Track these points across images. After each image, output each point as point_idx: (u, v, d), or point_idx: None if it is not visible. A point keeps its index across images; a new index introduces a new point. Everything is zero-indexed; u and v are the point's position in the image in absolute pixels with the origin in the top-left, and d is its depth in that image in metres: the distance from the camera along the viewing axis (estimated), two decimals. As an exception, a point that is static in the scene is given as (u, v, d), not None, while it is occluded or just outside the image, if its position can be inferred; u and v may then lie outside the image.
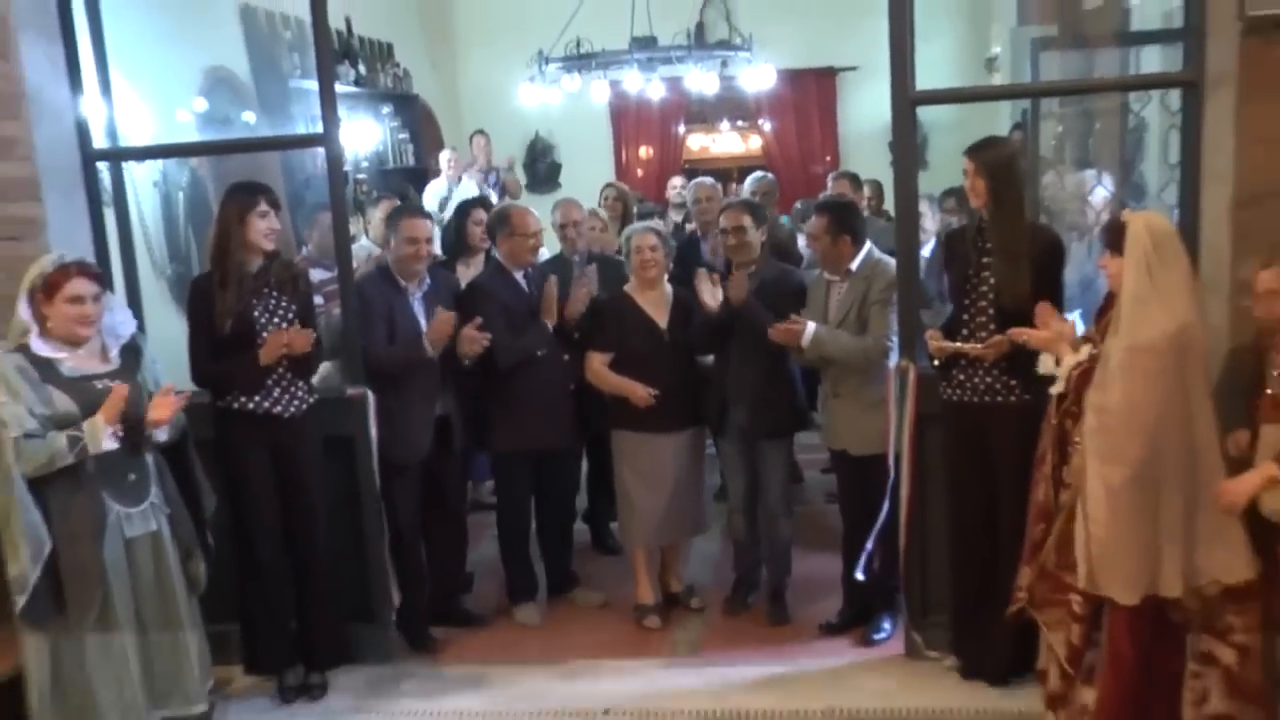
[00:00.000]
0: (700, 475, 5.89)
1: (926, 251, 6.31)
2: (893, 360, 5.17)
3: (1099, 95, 7.48)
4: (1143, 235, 4.01)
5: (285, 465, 5.04)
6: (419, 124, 11.83)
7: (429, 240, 5.59)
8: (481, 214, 6.57)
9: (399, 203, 6.96)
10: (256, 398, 4.94)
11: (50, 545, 4.00)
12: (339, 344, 5.47)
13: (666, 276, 5.80)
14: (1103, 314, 4.28)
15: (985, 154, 4.74)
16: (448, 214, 8.17)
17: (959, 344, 4.77)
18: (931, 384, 4.96)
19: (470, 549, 6.20)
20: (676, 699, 5.05)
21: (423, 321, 5.48)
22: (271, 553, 5.04)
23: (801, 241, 7.31)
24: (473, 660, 5.55)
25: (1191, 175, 4.76)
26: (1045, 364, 4.41)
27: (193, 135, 7.30)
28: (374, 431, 5.29)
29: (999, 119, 9.32)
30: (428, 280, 5.58)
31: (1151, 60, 6.90)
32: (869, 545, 5.24)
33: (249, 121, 8.16)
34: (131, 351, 4.37)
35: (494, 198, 9.74)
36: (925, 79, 5.11)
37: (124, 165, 5.68)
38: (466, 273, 6.34)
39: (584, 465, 6.64)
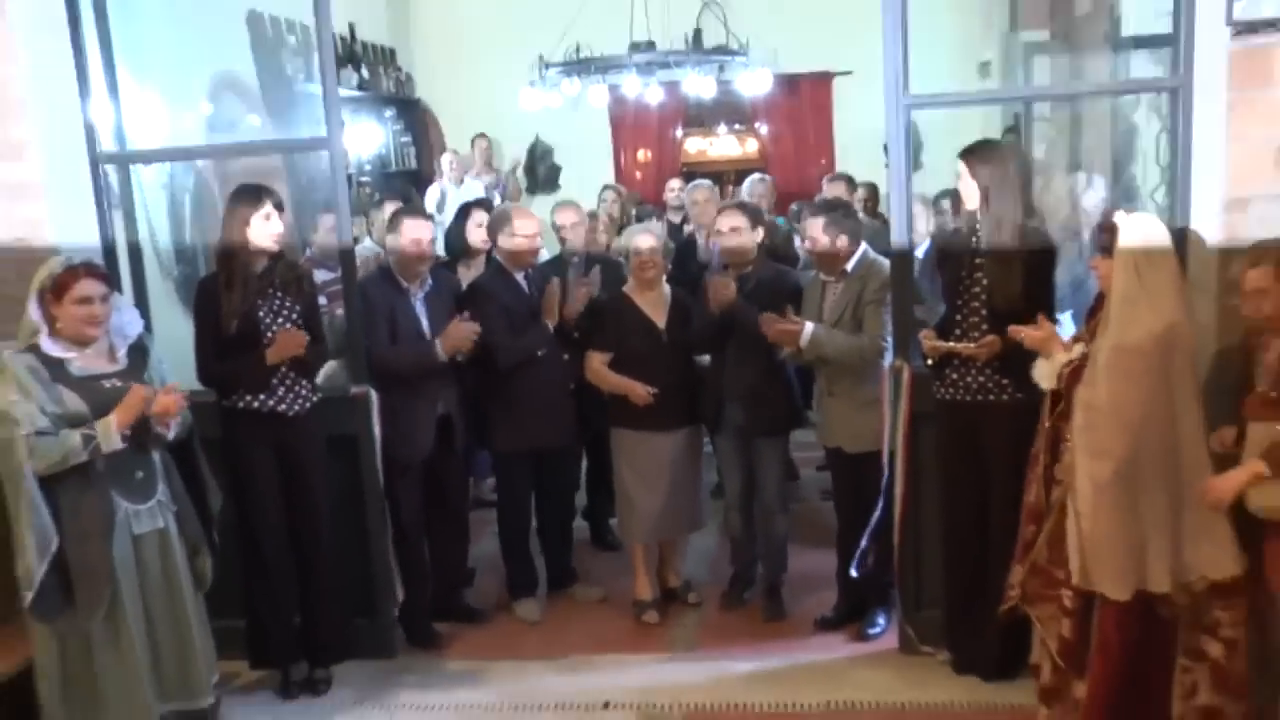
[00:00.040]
0: (697, 473, 5.90)
1: (920, 253, 6.30)
2: (887, 359, 5.18)
3: (1090, 99, 7.50)
4: (1133, 236, 4.02)
5: (290, 463, 5.04)
6: (421, 127, 11.85)
7: (430, 241, 5.60)
8: (482, 216, 6.56)
9: (401, 205, 6.96)
10: (261, 396, 4.94)
11: (57, 542, 4.01)
12: (343, 343, 5.48)
13: (665, 277, 5.81)
14: (1093, 314, 4.30)
15: (978, 157, 4.75)
16: (446, 215, 8.17)
17: (952, 344, 4.78)
18: (925, 383, 4.97)
19: (471, 545, 6.21)
20: (674, 693, 5.05)
21: (424, 322, 5.49)
22: (276, 549, 5.04)
23: (797, 242, 7.32)
24: (474, 655, 5.56)
25: (1180, 178, 4.77)
26: (1042, 377, 4.41)
27: (199, 138, 7.31)
28: (377, 430, 5.30)
29: (992, 123, 9.31)
30: (429, 281, 5.58)
31: (1141, 65, 6.90)
32: (863, 543, 5.25)
33: (254, 125, 8.17)
34: (139, 351, 4.37)
35: (498, 200, 9.75)
36: (919, 83, 5.11)
37: (132, 168, 5.68)
38: (467, 274, 6.34)
39: (583, 463, 6.64)
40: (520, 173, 12.34)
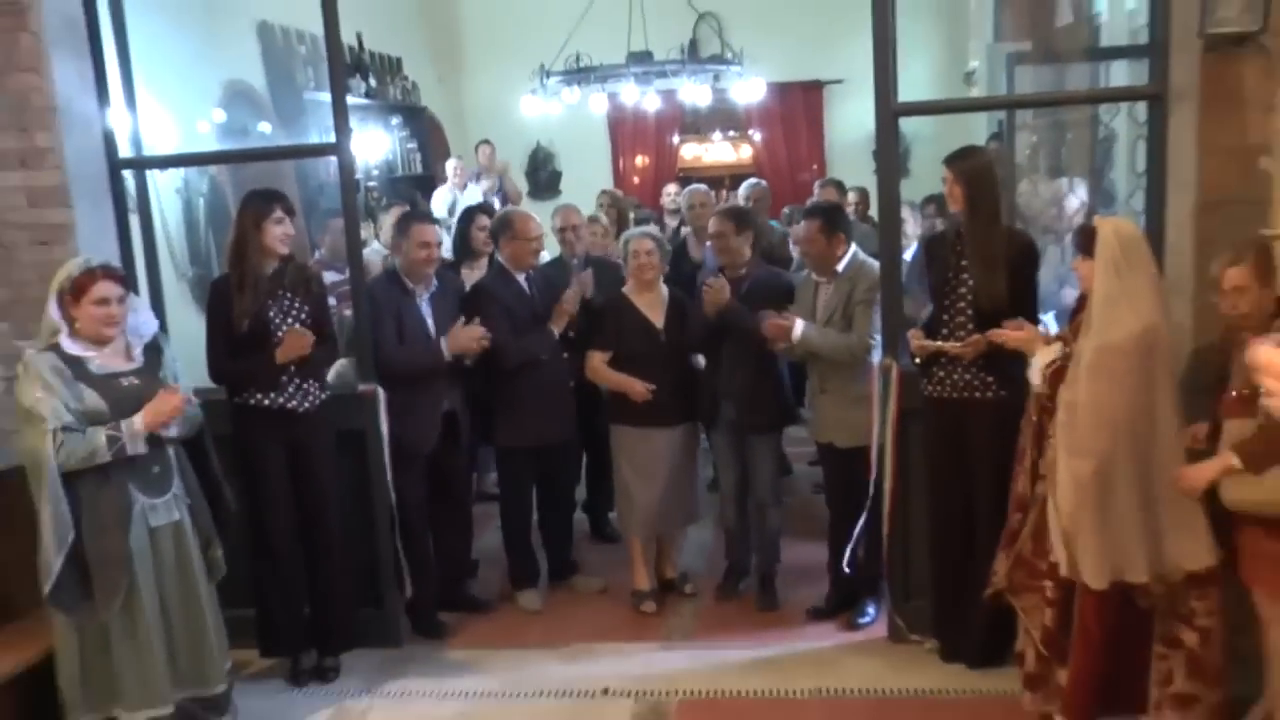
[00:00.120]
0: (694, 468, 5.90)
1: (909, 255, 6.31)
2: (876, 358, 5.19)
3: (1070, 107, 7.51)
4: (1111, 240, 4.03)
5: (299, 458, 5.04)
6: (426, 134, 11.84)
7: (438, 245, 5.61)
8: (485, 219, 6.58)
9: (408, 209, 6.97)
10: (271, 394, 4.95)
11: (74, 534, 4.01)
12: (352, 343, 5.49)
13: (662, 279, 5.82)
14: (1075, 314, 4.31)
15: (963, 163, 4.75)
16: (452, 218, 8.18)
17: (939, 343, 4.78)
18: (913, 380, 4.98)
19: (475, 538, 6.20)
20: (671, 680, 5.05)
21: (430, 322, 5.49)
22: (287, 542, 5.05)
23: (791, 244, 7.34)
24: (478, 644, 5.56)
25: (1157, 183, 4.78)
26: (1035, 376, 4.42)
27: (212, 145, 7.32)
28: (384, 426, 5.30)
29: (977, 130, 9.32)
30: (435, 283, 5.59)
31: (1120, 74, 6.92)
32: (854, 540, 5.25)
33: (265, 132, 8.17)
34: (154, 350, 4.37)
35: (497, 204, 9.75)
36: (907, 92, 5.12)
37: (148, 173, 5.70)
38: (471, 275, 6.35)
39: (583, 458, 6.65)
40: (511, 171, 12.34)
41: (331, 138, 5.45)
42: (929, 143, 10.18)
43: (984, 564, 4.65)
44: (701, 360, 5.82)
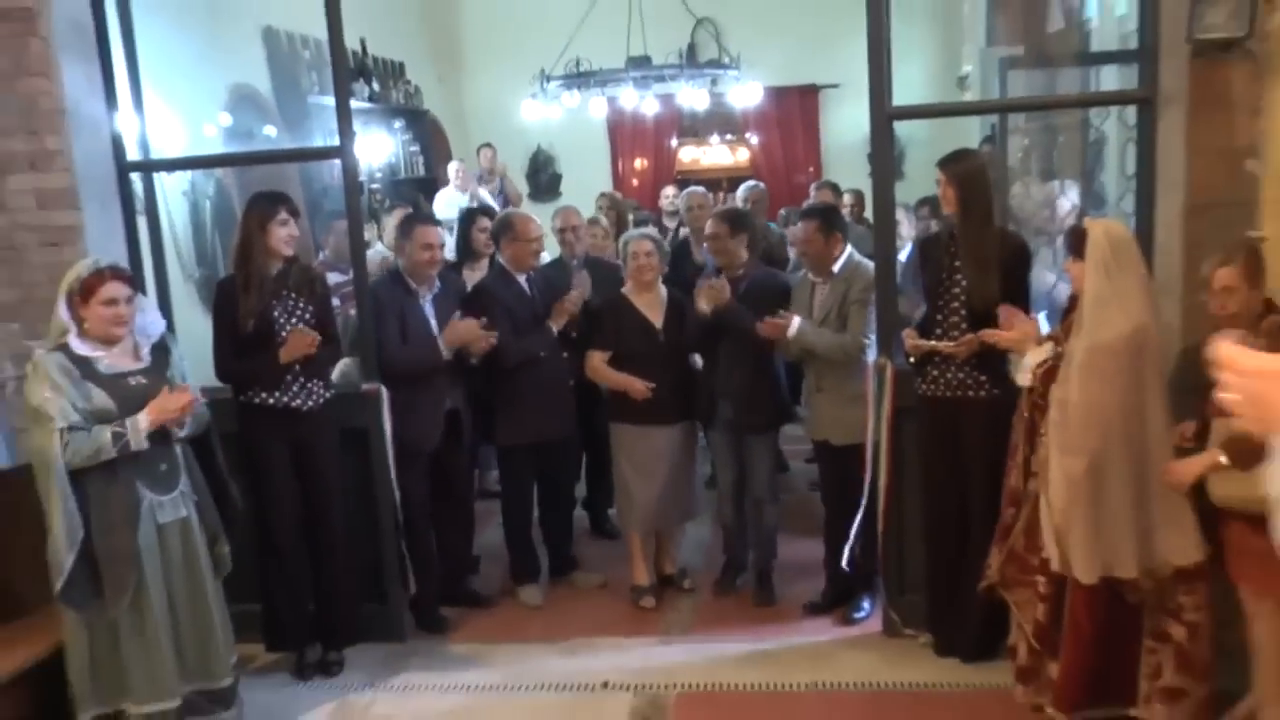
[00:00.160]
0: (692, 465, 5.91)
1: (903, 256, 6.32)
2: (871, 357, 5.19)
3: (1062, 111, 7.52)
4: (1102, 241, 4.04)
5: (304, 456, 5.05)
6: (429, 137, 11.84)
7: (441, 246, 5.61)
8: (486, 221, 6.58)
9: (411, 211, 6.97)
10: (276, 393, 4.95)
11: (84, 532, 4.02)
12: (355, 342, 5.49)
13: (661, 279, 5.83)
14: (1067, 314, 4.31)
15: (956, 166, 4.77)
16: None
17: (933, 342, 4.79)
18: (908, 379, 4.99)
19: (477, 534, 6.21)
20: (669, 674, 5.06)
21: (433, 322, 5.50)
22: (291, 538, 5.05)
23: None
24: (479, 638, 5.57)
25: (1146, 185, 4.79)
26: (1019, 374, 4.43)
27: (219, 148, 7.32)
28: (388, 424, 5.31)
29: (970, 133, 9.32)
30: (438, 283, 5.60)
31: (1110, 79, 6.92)
32: (851, 539, 5.25)
33: (270, 135, 8.17)
34: (161, 350, 4.37)
35: (497, 206, 9.76)
36: (902, 96, 5.13)
37: (155, 176, 5.70)
38: (472, 276, 6.36)
39: (583, 456, 6.66)
40: (511, 174, 12.35)
41: (335, 141, 5.45)
42: (923, 146, 10.19)
43: (977, 560, 4.65)
44: (699, 360, 5.83)
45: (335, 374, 5.34)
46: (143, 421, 4.04)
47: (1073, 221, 6.02)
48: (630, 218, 8.52)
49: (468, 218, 6.87)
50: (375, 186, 10.23)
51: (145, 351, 4.29)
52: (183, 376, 4.39)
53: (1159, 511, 4.00)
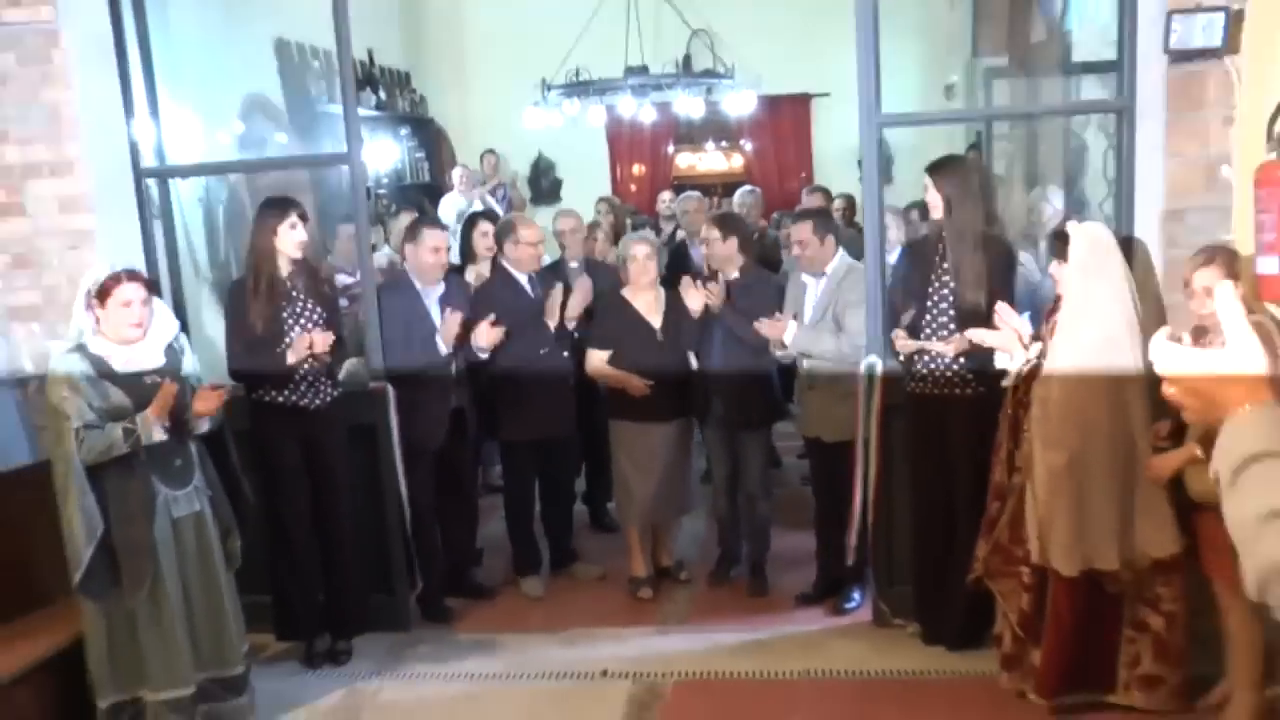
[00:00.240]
0: (688, 461, 5.91)
1: (893, 259, 6.31)
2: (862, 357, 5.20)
3: (1044, 119, 7.54)
4: (1083, 244, 4.06)
5: (313, 452, 5.05)
6: (434, 144, 11.84)
7: (447, 249, 5.62)
8: (487, 225, 6.59)
9: (416, 215, 6.97)
10: (286, 391, 4.97)
11: (103, 527, 4.03)
12: (362, 342, 5.50)
13: (658, 281, 5.84)
14: (1051, 314, 4.33)
15: (943, 171, 4.77)
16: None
17: (921, 342, 4.81)
18: (896, 378, 4.99)
19: (480, 527, 6.23)
20: (666, 662, 5.07)
21: (437, 323, 5.50)
22: (301, 531, 5.06)
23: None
24: (483, 628, 5.57)
25: (1125, 190, 4.80)
26: (1006, 374, 4.44)
27: (232, 154, 7.32)
28: (394, 422, 5.32)
29: (956, 140, 9.32)
30: (442, 285, 5.60)
31: (1090, 88, 6.93)
32: (853, 536, 5.25)
33: (281, 142, 8.17)
34: (175, 350, 4.39)
35: (500, 210, 9.77)
36: (890, 104, 5.14)
37: (171, 182, 5.71)
38: (472, 278, 6.36)
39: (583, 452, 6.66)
40: (519, 183, 12.37)
41: (344, 148, 5.46)
42: (911, 152, 10.11)
43: (963, 552, 4.67)
44: (694, 359, 5.84)
45: (342, 373, 5.35)
46: (152, 416, 4.06)
47: (1055, 225, 6.03)
48: (628, 222, 8.54)
49: (469, 222, 6.88)
50: (382, 191, 10.23)
51: (160, 351, 4.30)
52: (196, 376, 4.41)
53: (1138, 505, 4.02)
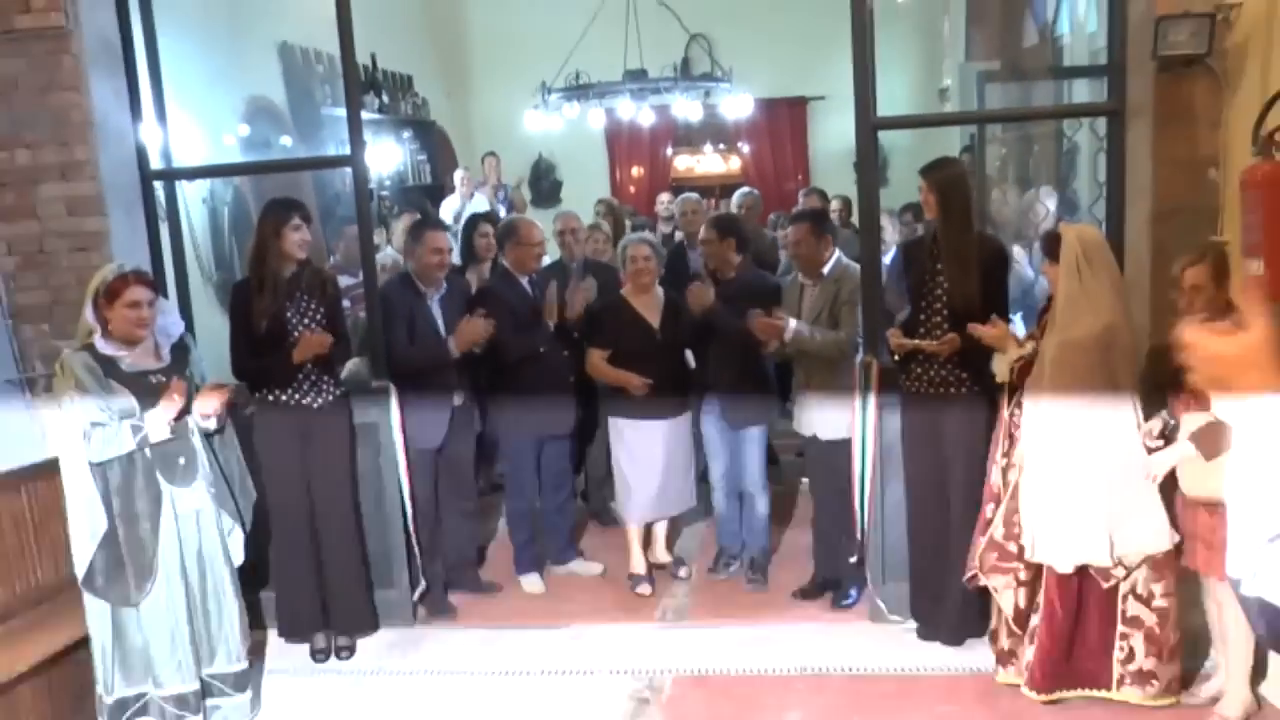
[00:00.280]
0: (687, 458, 5.91)
1: (888, 259, 6.32)
2: (858, 356, 5.20)
3: (1037, 121, 7.54)
4: (1074, 245, 4.07)
5: (316, 450, 5.05)
6: (435, 147, 11.83)
7: (449, 250, 5.62)
8: (487, 227, 6.59)
9: (419, 216, 6.98)
10: (289, 390, 4.97)
11: (107, 524, 4.03)
12: (365, 342, 5.50)
13: (657, 281, 5.84)
14: (1043, 314, 4.34)
15: (936, 173, 4.77)
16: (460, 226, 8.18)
17: (916, 341, 4.80)
18: (892, 377, 4.99)
19: (481, 525, 6.22)
20: (665, 658, 5.06)
21: (440, 322, 5.50)
22: (304, 529, 5.06)
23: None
24: (484, 624, 5.56)
25: (1116, 192, 4.81)
26: (999, 370, 4.45)
27: (237, 157, 7.33)
28: (396, 420, 5.32)
29: (950, 143, 9.33)
30: (444, 285, 5.61)
31: (1081, 92, 6.95)
32: (860, 534, 5.24)
33: (286, 145, 8.18)
34: (181, 349, 4.39)
35: (503, 212, 9.77)
36: (885, 107, 5.15)
37: (177, 184, 5.72)
38: (473, 279, 6.36)
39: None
40: (525, 187, 12.38)
41: (347, 150, 5.47)
42: (906, 154, 10.17)
43: (958, 549, 4.66)
44: (693, 357, 5.84)
45: (344, 372, 5.35)
46: (160, 414, 4.07)
47: (1048, 226, 6.04)
48: (628, 223, 8.52)
49: (470, 224, 6.88)
50: (384, 193, 10.23)
51: (165, 351, 4.32)
52: (201, 375, 4.41)
53: (1130, 501, 4.02)
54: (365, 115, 6.19)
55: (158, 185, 5.52)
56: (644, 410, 5.61)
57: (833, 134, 12.04)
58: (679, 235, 7.97)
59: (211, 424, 4.33)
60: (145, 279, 4.24)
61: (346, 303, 5.78)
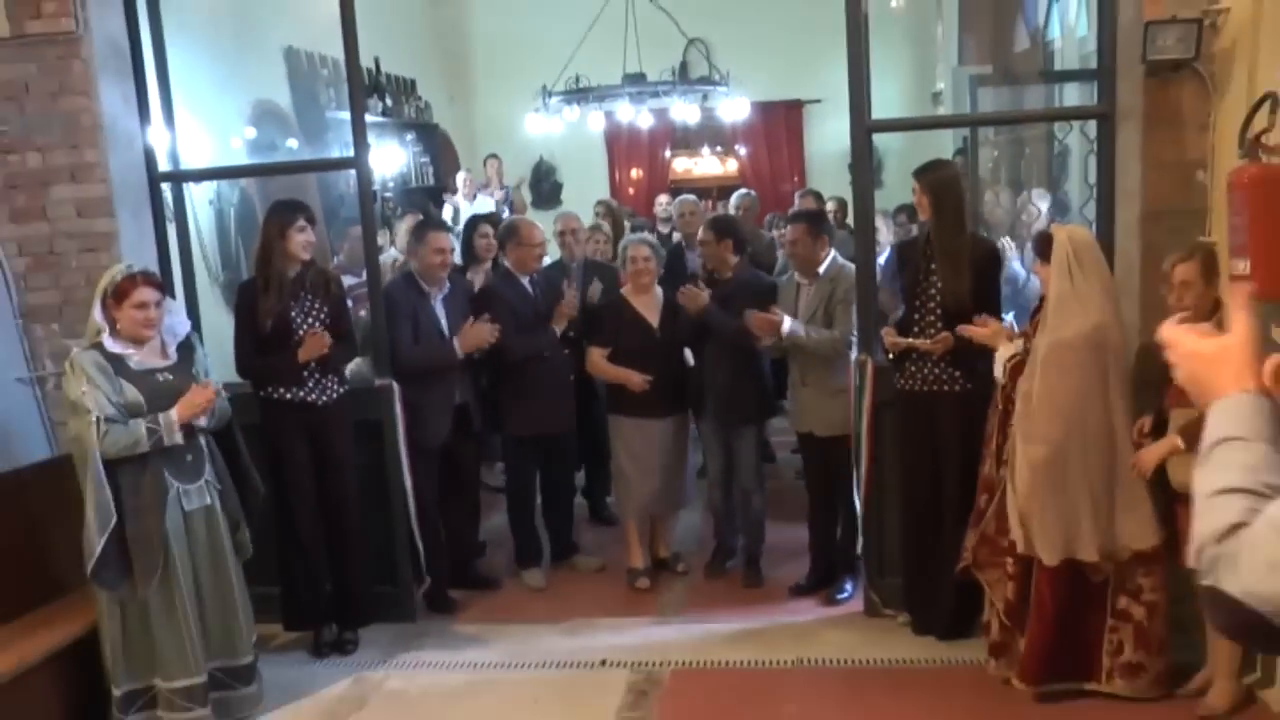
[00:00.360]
0: (685, 455, 5.91)
1: (882, 259, 6.33)
2: (853, 354, 5.20)
3: (1028, 125, 7.54)
4: (1065, 245, 4.07)
5: (320, 448, 5.04)
6: (438, 149, 11.83)
7: (452, 250, 5.62)
8: (487, 228, 6.59)
9: (422, 218, 6.97)
10: (294, 388, 4.96)
11: (116, 519, 4.03)
12: (369, 341, 5.50)
13: (657, 281, 5.84)
14: (1035, 313, 4.34)
15: (930, 175, 4.78)
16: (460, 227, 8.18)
17: (910, 340, 4.81)
18: (886, 375, 4.99)
19: (482, 521, 6.22)
20: (664, 651, 5.06)
21: (443, 321, 5.50)
22: (309, 524, 5.05)
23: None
24: (486, 619, 5.56)
25: (1106, 194, 4.82)
26: (995, 371, 4.45)
27: (243, 159, 7.33)
28: (400, 418, 5.31)
29: (943, 145, 9.34)
30: (447, 285, 5.60)
31: (1072, 95, 6.95)
32: (860, 531, 5.22)
33: (291, 147, 8.18)
34: (187, 348, 4.39)
35: (505, 213, 9.76)
36: (880, 110, 5.15)
37: (184, 186, 5.73)
38: (474, 279, 6.35)
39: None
40: (525, 189, 12.38)
41: (351, 152, 5.47)
42: (900, 157, 10.20)
43: (952, 544, 4.67)
44: (691, 356, 5.84)
45: (349, 371, 5.34)
46: (174, 416, 4.07)
47: (1040, 227, 6.04)
48: (627, 224, 8.53)
49: (470, 225, 6.88)
50: (388, 195, 10.23)
51: (172, 350, 4.31)
52: (206, 373, 4.41)
53: (1119, 497, 4.02)
54: (369, 118, 6.21)
55: (165, 187, 5.52)
56: (643, 408, 5.61)
57: (828, 137, 12.03)
58: (677, 236, 7.97)
59: (203, 422, 4.31)
60: (153, 280, 4.24)
61: (350, 302, 5.78)
